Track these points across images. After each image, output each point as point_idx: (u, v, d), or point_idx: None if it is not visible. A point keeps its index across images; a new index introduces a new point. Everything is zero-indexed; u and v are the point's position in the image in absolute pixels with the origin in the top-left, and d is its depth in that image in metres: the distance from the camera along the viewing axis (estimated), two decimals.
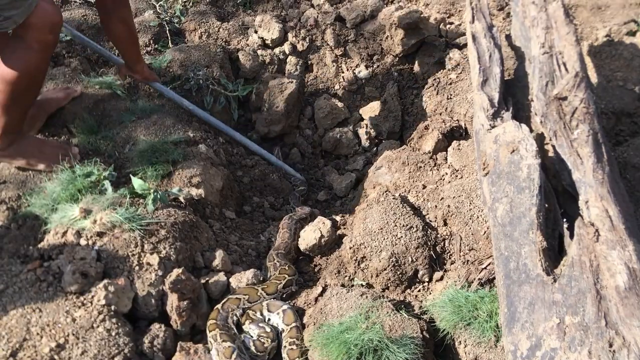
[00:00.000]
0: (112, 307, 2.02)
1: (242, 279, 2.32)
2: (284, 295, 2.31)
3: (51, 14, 2.22)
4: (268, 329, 2.14)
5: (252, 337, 2.12)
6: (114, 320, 1.99)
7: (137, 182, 2.42)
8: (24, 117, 2.48)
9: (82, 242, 2.19)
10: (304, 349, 2.05)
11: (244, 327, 2.18)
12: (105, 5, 2.57)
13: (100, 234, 2.21)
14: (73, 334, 1.92)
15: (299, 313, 2.21)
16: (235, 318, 2.18)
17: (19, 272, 2.11)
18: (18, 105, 2.36)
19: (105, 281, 2.05)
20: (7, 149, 2.40)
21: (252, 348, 2.07)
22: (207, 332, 2.10)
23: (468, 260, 2.24)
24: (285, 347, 2.08)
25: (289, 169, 3.28)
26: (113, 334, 1.95)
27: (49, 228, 2.26)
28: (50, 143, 2.51)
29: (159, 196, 2.41)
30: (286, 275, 2.34)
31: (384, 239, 2.29)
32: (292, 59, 3.53)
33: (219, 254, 2.38)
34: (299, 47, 3.52)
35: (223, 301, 2.21)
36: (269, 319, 2.21)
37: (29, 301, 2.01)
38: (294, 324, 2.13)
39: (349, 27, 3.54)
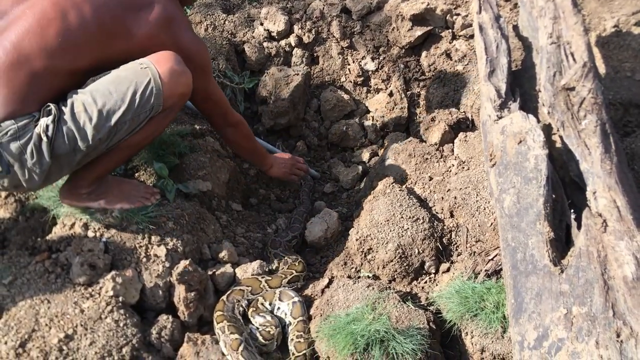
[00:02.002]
0: (120, 299, 2.03)
1: (247, 269, 2.33)
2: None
3: (184, 84, 2.16)
4: (269, 317, 2.17)
5: (257, 328, 2.13)
6: (121, 311, 2.00)
7: (157, 165, 2.46)
8: None
9: (90, 234, 2.20)
10: (310, 340, 2.06)
11: (250, 317, 2.19)
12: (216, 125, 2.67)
13: (107, 226, 2.22)
14: (81, 325, 1.94)
15: (307, 303, 2.22)
16: (241, 309, 2.19)
17: (28, 264, 2.12)
18: (125, 157, 2.31)
19: (113, 272, 2.06)
20: (90, 191, 2.28)
21: (260, 338, 2.08)
22: (215, 323, 2.11)
23: (475, 252, 2.24)
24: (292, 339, 2.09)
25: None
26: (121, 325, 1.97)
27: (58, 219, 2.27)
28: (129, 182, 2.43)
29: (176, 187, 2.44)
30: (294, 271, 2.34)
31: (391, 230, 2.29)
32: (298, 51, 3.53)
33: (226, 246, 2.39)
34: (305, 39, 3.51)
35: (228, 292, 2.22)
36: (278, 308, 2.22)
37: (37, 292, 2.02)
38: (300, 318, 2.14)
39: (355, 19, 3.52)
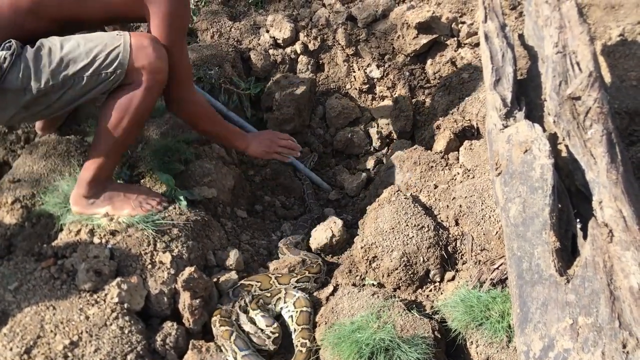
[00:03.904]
0: (125, 305, 2.03)
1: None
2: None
3: (151, 55, 2.14)
4: (271, 321, 2.18)
5: (260, 330, 2.13)
6: (126, 318, 2.00)
7: (163, 177, 2.47)
8: (117, 164, 2.42)
9: (96, 240, 2.20)
10: (313, 333, 2.10)
11: (251, 313, 2.20)
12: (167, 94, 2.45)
13: (113, 233, 2.23)
14: (86, 332, 1.94)
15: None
16: (243, 303, 2.21)
17: (33, 270, 2.12)
18: (116, 149, 2.28)
19: (119, 279, 2.06)
20: (96, 197, 2.30)
21: (259, 341, 2.10)
22: (212, 316, 2.15)
23: (480, 261, 2.23)
24: (296, 345, 2.10)
25: (316, 179, 3.26)
26: (126, 331, 1.97)
27: (64, 224, 2.27)
28: (135, 188, 2.42)
29: (184, 194, 2.45)
30: (307, 272, 2.35)
31: (396, 238, 2.29)
32: (303, 59, 3.54)
33: (234, 253, 2.40)
34: (311, 47, 3.53)
35: (236, 285, 2.26)
36: (281, 308, 2.25)
37: (42, 299, 2.02)
38: (305, 325, 2.14)
39: (361, 27, 3.53)
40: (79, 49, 2.08)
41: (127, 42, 2.11)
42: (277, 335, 2.11)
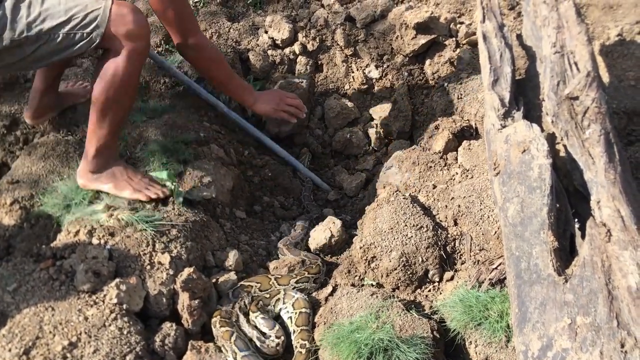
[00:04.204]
0: (124, 306, 2.03)
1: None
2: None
3: (130, 21, 2.18)
4: (273, 325, 2.17)
5: (264, 335, 2.13)
6: (125, 319, 2.01)
7: (163, 174, 2.48)
8: (117, 137, 2.45)
9: (94, 241, 2.20)
10: (312, 335, 2.10)
11: (251, 315, 2.20)
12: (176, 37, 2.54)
13: (112, 233, 2.23)
14: (85, 333, 1.94)
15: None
16: (243, 304, 2.21)
17: (32, 271, 2.13)
18: (109, 119, 2.31)
19: (117, 280, 2.07)
20: (101, 172, 2.37)
21: (258, 343, 2.10)
22: (212, 317, 2.15)
23: (479, 260, 2.24)
24: (295, 347, 2.10)
25: (316, 179, 3.27)
26: (125, 332, 1.97)
27: (63, 225, 2.28)
28: (138, 173, 2.48)
29: (183, 192, 2.46)
30: (306, 273, 2.35)
31: (394, 238, 2.29)
32: (302, 59, 3.54)
33: (233, 254, 2.40)
34: (309, 47, 3.53)
35: (236, 286, 2.26)
36: (280, 309, 2.25)
37: (41, 300, 2.03)
38: (304, 327, 2.14)
39: (359, 27, 3.53)
40: (58, 7, 2.11)
41: (108, 8, 2.15)
42: (282, 339, 2.11)
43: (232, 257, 2.39)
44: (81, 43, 2.16)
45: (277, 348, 2.09)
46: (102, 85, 2.24)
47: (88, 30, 2.14)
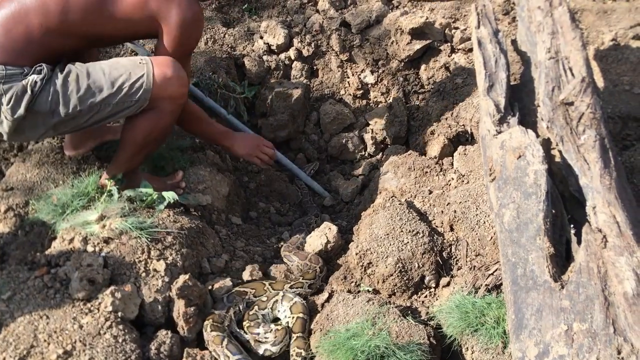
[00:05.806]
0: (119, 314, 2.02)
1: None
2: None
3: (174, 84, 2.26)
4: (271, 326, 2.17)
5: (263, 334, 2.13)
6: (120, 326, 1.99)
7: (144, 184, 2.47)
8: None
9: (89, 248, 2.19)
10: (308, 342, 2.10)
11: (244, 323, 2.19)
12: None
13: (107, 241, 2.22)
14: (80, 341, 1.93)
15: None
16: (238, 309, 2.21)
17: (27, 279, 2.11)
18: (143, 155, 2.44)
19: (112, 288, 2.05)
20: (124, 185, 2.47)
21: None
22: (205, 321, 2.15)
23: (475, 266, 2.23)
24: (291, 355, 2.09)
25: (317, 186, 3.27)
26: (120, 340, 1.96)
27: (57, 233, 2.26)
28: (158, 178, 2.60)
29: (167, 198, 2.45)
30: (301, 278, 2.35)
31: (390, 244, 2.29)
32: (297, 65, 3.54)
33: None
34: (305, 53, 3.53)
35: (230, 292, 2.25)
36: (278, 310, 2.25)
37: (36, 308, 2.01)
38: (301, 314, 2.16)
39: (354, 33, 3.54)
40: (104, 78, 2.20)
41: (150, 72, 2.22)
42: (284, 327, 2.13)
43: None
44: (129, 109, 2.25)
45: (282, 332, 2.10)
46: (141, 134, 2.33)
47: (135, 98, 2.22)
